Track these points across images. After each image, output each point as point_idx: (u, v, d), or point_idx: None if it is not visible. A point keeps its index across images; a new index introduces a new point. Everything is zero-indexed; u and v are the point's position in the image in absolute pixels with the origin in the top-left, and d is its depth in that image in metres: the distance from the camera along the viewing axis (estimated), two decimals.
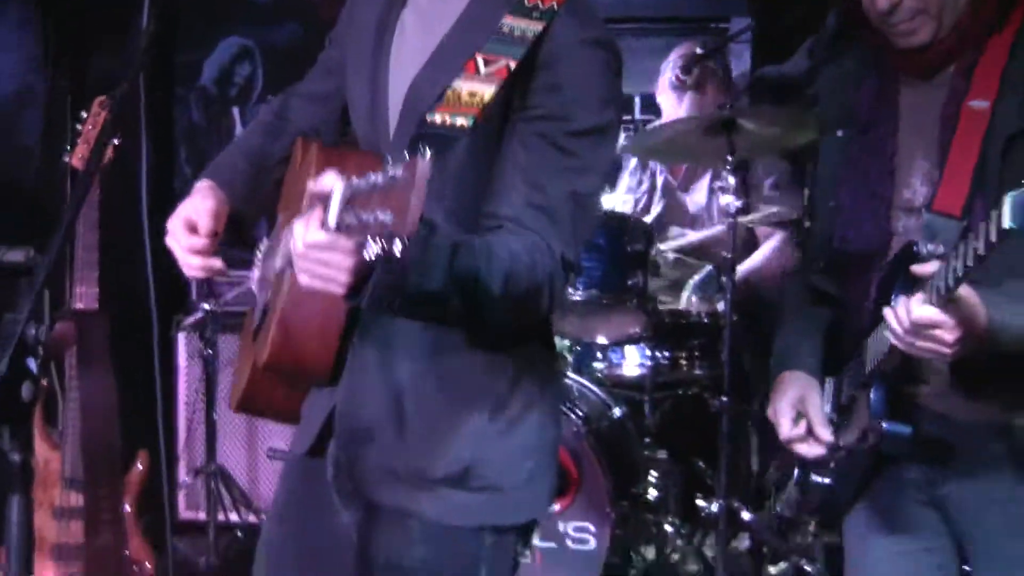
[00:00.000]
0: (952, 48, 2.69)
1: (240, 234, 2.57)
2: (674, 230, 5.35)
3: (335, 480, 2.43)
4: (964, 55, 2.69)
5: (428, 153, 1.82)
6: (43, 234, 5.65)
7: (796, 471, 3.02)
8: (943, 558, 2.82)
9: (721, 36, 5.89)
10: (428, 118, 2.24)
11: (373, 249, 1.84)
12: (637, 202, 5.47)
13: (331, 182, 1.89)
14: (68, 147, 4.64)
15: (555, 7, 2.32)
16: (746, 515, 4.87)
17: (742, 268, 5.09)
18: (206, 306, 5.47)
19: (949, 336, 2.46)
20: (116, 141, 4.46)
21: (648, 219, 5.29)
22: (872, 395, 2.70)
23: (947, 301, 2.42)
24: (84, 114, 4.62)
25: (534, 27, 2.30)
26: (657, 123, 5.60)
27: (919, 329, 2.48)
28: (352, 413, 2.40)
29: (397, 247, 1.83)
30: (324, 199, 1.89)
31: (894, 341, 2.56)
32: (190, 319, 5.67)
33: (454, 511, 2.36)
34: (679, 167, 5.48)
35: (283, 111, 2.72)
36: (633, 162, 5.54)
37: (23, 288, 5.64)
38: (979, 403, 2.70)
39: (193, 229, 2.46)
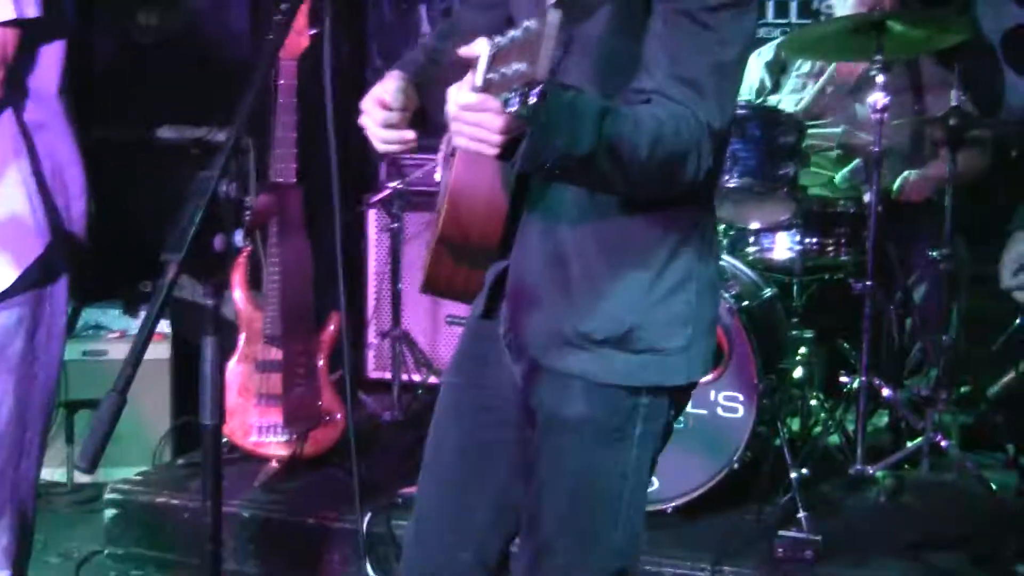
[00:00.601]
0: None
1: (424, 123, 2.54)
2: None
3: (505, 336, 2.42)
4: None
5: (559, 7, 1.78)
6: (248, 117, 5.70)
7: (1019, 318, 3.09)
8: None
9: None
10: None
11: (515, 101, 1.80)
12: (801, 102, 5.34)
13: (479, 46, 1.88)
14: (270, 37, 4.66)
15: None
16: (886, 392, 4.80)
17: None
18: (393, 184, 5.50)
19: None
20: (313, 31, 4.48)
21: (824, 128, 5.18)
22: None
23: None
24: (284, 5, 4.63)
25: None
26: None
27: None
28: (520, 278, 2.38)
29: (534, 95, 1.79)
30: (474, 63, 1.88)
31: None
32: (379, 196, 5.66)
33: (616, 371, 2.32)
34: (852, 73, 5.35)
35: (456, 18, 2.72)
36: (806, 66, 5.41)
37: (230, 165, 5.72)
38: None
39: (385, 107, 2.44)
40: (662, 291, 2.32)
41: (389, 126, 2.44)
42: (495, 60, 1.83)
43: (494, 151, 2.00)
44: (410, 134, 2.45)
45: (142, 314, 5.12)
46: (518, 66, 1.78)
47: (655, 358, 2.33)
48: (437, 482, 2.59)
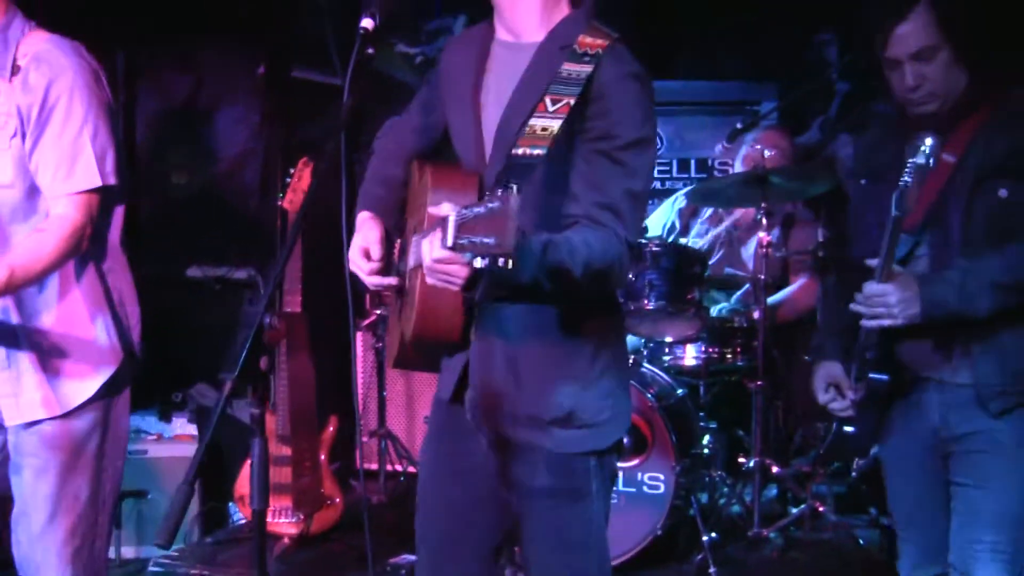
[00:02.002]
0: (945, 117, 2.80)
1: (391, 249, 2.64)
2: (728, 270, 5.35)
3: (472, 418, 2.48)
4: (949, 123, 2.80)
5: (516, 188, 1.91)
6: (260, 258, 5.75)
7: (834, 425, 3.08)
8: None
9: (754, 115, 5.86)
10: (513, 151, 2.29)
11: (481, 263, 1.93)
12: (702, 245, 5.41)
13: (447, 209, 1.96)
14: (280, 194, 4.74)
15: (600, 52, 2.34)
16: (775, 469, 4.88)
17: (771, 299, 5.03)
18: (377, 311, 5.53)
19: (891, 299, 2.71)
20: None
21: (711, 261, 5.24)
22: (867, 356, 2.87)
23: (887, 277, 2.71)
24: (292, 170, 4.73)
25: (586, 69, 2.32)
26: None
27: (870, 300, 2.76)
28: (481, 374, 2.45)
29: (501, 262, 1.92)
30: (442, 222, 1.96)
31: (857, 311, 2.79)
32: (365, 321, 5.70)
33: (564, 443, 2.42)
34: (744, 224, 5.42)
35: (399, 141, 2.73)
36: (707, 212, 5.49)
37: (246, 297, 5.74)
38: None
39: (367, 255, 2.52)
40: (591, 379, 2.43)
41: (375, 273, 2.53)
42: (462, 229, 1.91)
43: (458, 289, 2.14)
44: (392, 280, 2.54)
45: (174, 419, 5.10)
46: (487, 239, 1.88)
47: (591, 430, 2.44)
48: (432, 533, 2.62)
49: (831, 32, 6.26)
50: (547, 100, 2.32)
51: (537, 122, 2.31)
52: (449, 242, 1.92)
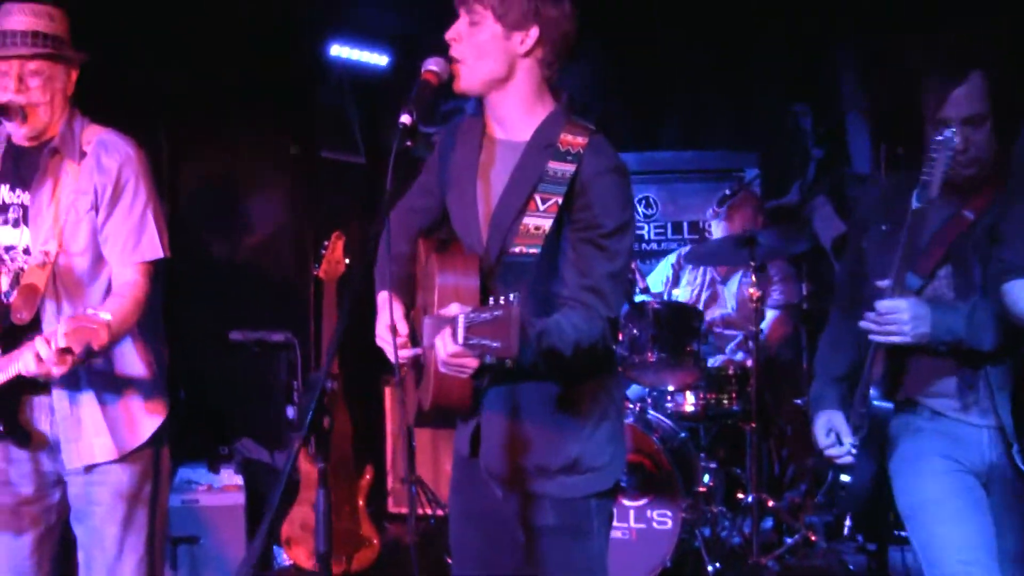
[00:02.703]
0: (979, 180, 2.81)
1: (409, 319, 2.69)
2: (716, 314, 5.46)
3: (487, 473, 2.57)
4: (974, 185, 2.83)
5: (516, 299, 2.01)
6: (295, 322, 5.82)
7: (830, 473, 3.07)
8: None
9: (740, 181, 5.99)
10: (511, 249, 2.39)
11: (491, 359, 2.04)
12: (692, 291, 5.57)
13: (455, 310, 2.11)
14: (316, 264, 4.82)
15: (581, 151, 2.43)
16: (770, 503, 4.97)
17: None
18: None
19: (904, 316, 2.66)
20: (347, 260, 4.68)
21: (699, 304, 5.37)
22: (871, 390, 2.82)
23: (900, 291, 2.67)
24: (325, 242, 4.83)
25: (570, 168, 2.42)
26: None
27: (883, 317, 2.69)
28: (491, 437, 2.55)
29: (508, 362, 2.04)
30: (452, 321, 2.08)
31: (867, 328, 2.73)
32: (393, 378, 5.74)
33: (570, 488, 2.51)
34: (723, 267, 5.56)
35: (407, 221, 2.76)
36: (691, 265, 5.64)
37: (282, 358, 5.81)
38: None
39: (393, 330, 2.52)
40: (591, 427, 2.52)
41: (402, 347, 2.56)
42: (470, 331, 2.03)
43: (468, 377, 2.26)
44: (417, 351, 2.57)
45: (222, 471, 5.14)
46: (493, 343, 2.01)
47: (594, 474, 2.53)
48: (469, 559, 2.69)
49: (806, 104, 6.41)
50: (537, 199, 2.42)
51: (530, 221, 2.40)
52: (460, 340, 2.05)
